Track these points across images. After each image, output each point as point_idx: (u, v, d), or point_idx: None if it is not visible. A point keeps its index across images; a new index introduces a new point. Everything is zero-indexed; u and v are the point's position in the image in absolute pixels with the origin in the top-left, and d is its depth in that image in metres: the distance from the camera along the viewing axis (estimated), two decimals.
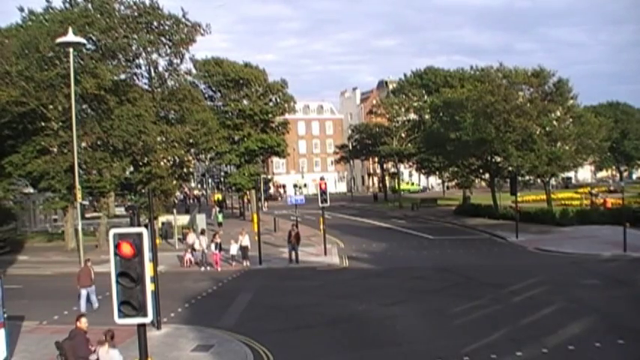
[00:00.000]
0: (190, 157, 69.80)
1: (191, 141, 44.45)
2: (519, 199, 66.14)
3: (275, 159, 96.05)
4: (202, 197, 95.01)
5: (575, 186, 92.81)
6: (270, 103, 60.11)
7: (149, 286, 8.13)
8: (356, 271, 28.28)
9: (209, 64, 57.61)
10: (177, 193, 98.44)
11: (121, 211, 65.83)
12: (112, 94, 37.30)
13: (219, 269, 28.89)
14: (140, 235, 7.99)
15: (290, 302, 21.58)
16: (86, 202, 38.76)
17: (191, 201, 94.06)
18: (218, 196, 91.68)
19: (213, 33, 44.55)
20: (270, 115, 59.35)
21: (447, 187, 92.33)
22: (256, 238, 31.06)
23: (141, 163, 39.03)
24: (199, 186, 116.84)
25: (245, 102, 58.57)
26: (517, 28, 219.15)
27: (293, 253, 30.71)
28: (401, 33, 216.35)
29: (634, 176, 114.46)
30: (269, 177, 57.86)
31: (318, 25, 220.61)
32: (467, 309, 19.17)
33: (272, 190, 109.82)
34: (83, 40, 31.95)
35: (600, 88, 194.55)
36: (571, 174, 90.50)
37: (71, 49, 31.62)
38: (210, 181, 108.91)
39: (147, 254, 8.01)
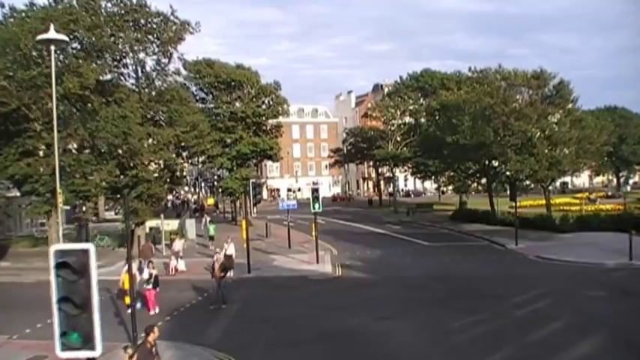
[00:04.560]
0: (182, 161, 68.76)
1: (183, 144, 43.20)
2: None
3: (269, 163, 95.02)
4: (194, 202, 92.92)
5: (572, 191, 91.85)
6: (263, 106, 58.82)
7: (97, 313, 6.78)
8: (349, 281, 26.90)
9: (200, 65, 56.28)
10: (170, 197, 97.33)
11: (111, 215, 64.57)
12: (98, 94, 36.08)
13: (151, 312, 20.88)
14: (86, 252, 6.66)
15: (279, 314, 20.25)
16: (67, 207, 37.33)
17: (185, 205, 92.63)
18: (210, 200, 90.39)
19: (206, 37, 44.11)
20: (262, 118, 58.08)
21: (443, 192, 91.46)
22: (245, 245, 29.76)
23: (128, 167, 37.64)
24: (192, 190, 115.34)
25: (237, 104, 57.32)
26: (509, 33, 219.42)
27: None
28: (394, 38, 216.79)
29: (630, 181, 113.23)
30: (262, 181, 56.10)
31: (310, 29, 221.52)
32: (467, 324, 17.91)
33: (265, 195, 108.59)
34: (65, 38, 30.55)
35: (594, 93, 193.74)
36: (567, 179, 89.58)
37: (52, 47, 30.29)
38: (203, 185, 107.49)
39: (94, 274, 6.68)
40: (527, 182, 47.11)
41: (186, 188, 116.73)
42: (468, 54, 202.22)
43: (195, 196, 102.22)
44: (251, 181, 38.47)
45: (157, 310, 21.10)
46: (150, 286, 21.18)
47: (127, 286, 16.91)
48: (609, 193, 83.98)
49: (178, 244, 31.32)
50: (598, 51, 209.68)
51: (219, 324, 19.36)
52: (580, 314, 18.80)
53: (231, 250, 29.27)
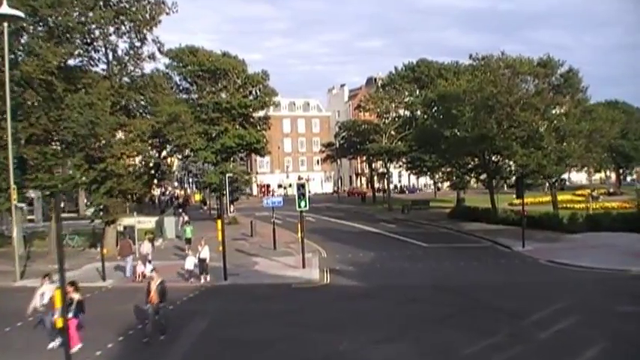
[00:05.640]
0: (165, 154, 65.29)
1: (167, 137, 39.84)
2: (516, 201, 62.01)
3: (259, 158, 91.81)
4: (177, 198, 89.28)
5: (571, 188, 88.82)
6: (250, 97, 55.49)
7: None
8: (339, 290, 23.47)
9: (183, 53, 52.86)
10: (157, 193, 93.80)
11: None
12: (65, 80, 32.87)
13: (73, 349, 13.67)
14: None
15: (253, 335, 16.86)
16: (22, 205, 33.85)
17: (171, 202, 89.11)
18: (197, 196, 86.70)
19: (199, 33, 40.11)
20: (249, 109, 54.72)
21: (438, 188, 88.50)
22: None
23: (97, 160, 34.14)
24: (180, 185, 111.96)
25: (223, 95, 53.87)
26: (502, 30, 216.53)
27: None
28: (387, 34, 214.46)
29: (628, 179, 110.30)
30: (250, 175, 51.79)
31: (303, 25, 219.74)
32: (480, 350, 14.58)
33: (255, 191, 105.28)
34: (19, 14, 27.17)
35: (590, 90, 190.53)
36: (564, 175, 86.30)
37: (5, 24, 27.02)
38: (190, 180, 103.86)
39: None
40: (534, 178, 43.74)
41: (176, 184, 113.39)
42: (460, 50, 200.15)
43: (182, 192, 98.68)
44: (227, 175, 34.95)
45: (79, 347, 15.22)
46: (70, 315, 14.82)
47: (58, 304, 13.41)
48: (611, 190, 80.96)
49: (147, 247, 28.05)
50: (593, 48, 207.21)
51: (181, 347, 16.03)
52: (616, 338, 15.43)
53: (205, 252, 26.00)
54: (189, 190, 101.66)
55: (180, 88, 56.18)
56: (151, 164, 56.71)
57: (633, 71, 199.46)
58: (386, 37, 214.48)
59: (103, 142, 33.62)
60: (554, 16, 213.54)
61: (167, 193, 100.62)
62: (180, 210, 62.79)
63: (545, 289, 22.04)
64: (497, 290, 22.15)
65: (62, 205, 59.98)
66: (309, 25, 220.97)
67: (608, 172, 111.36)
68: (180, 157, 63.58)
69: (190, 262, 25.98)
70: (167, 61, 53.33)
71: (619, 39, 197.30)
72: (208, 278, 25.59)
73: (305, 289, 23.66)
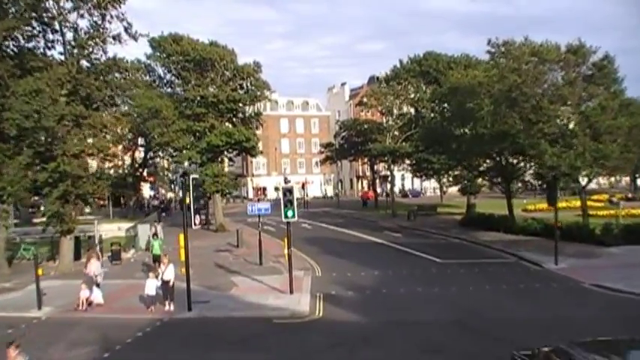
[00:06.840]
0: (152, 155, 60.21)
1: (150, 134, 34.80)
2: (530, 207, 56.73)
3: (256, 159, 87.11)
4: (160, 202, 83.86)
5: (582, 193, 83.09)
6: (241, 90, 50.22)
7: None
8: (333, 330, 17.77)
9: (165, 41, 47.58)
10: (147, 196, 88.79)
11: None
12: (15, 66, 27.87)
13: None
14: None
15: None
16: None
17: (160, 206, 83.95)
18: (187, 200, 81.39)
19: (198, 34, 35.07)
20: (239, 104, 49.43)
21: (444, 192, 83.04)
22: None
23: (50, 158, 28.81)
24: (171, 188, 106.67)
25: (210, 89, 48.61)
26: (502, 33, 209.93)
27: None
28: (386, 37, 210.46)
29: (639, 183, 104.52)
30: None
31: (303, 28, 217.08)
32: None
33: (251, 193, 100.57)
34: None
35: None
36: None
37: None
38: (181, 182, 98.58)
39: None
40: (565, 181, 38.22)
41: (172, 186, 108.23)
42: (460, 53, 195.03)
43: (171, 195, 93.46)
44: (191, 177, 29.46)
45: None
46: None
47: None
48: (629, 195, 75.38)
49: (95, 266, 22.68)
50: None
51: None
52: None
53: (169, 273, 20.73)
54: (180, 194, 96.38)
55: (165, 81, 51.18)
56: (137, 165, 51.88)
57: (636, 74, 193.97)
58: (387, 40, 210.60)
59: (59, 135, 28.38)
60: (554, 21, 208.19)
61: (158, 195, 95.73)
62: (164, 214, 57.63)
63: (609, 331, 16.36)
64: (546, 331, 16.35)
65: (41, 209, 54.99)
66: (309, 28, 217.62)
67: (618, 176, 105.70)
68: (169, 157, 58.55)
69: (151, 286, 20.69)
70: (149, 50, 48.47)
71: (621, 42, 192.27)
72: (172, 307, 20.33)
73: (290, 328, 18.07)
